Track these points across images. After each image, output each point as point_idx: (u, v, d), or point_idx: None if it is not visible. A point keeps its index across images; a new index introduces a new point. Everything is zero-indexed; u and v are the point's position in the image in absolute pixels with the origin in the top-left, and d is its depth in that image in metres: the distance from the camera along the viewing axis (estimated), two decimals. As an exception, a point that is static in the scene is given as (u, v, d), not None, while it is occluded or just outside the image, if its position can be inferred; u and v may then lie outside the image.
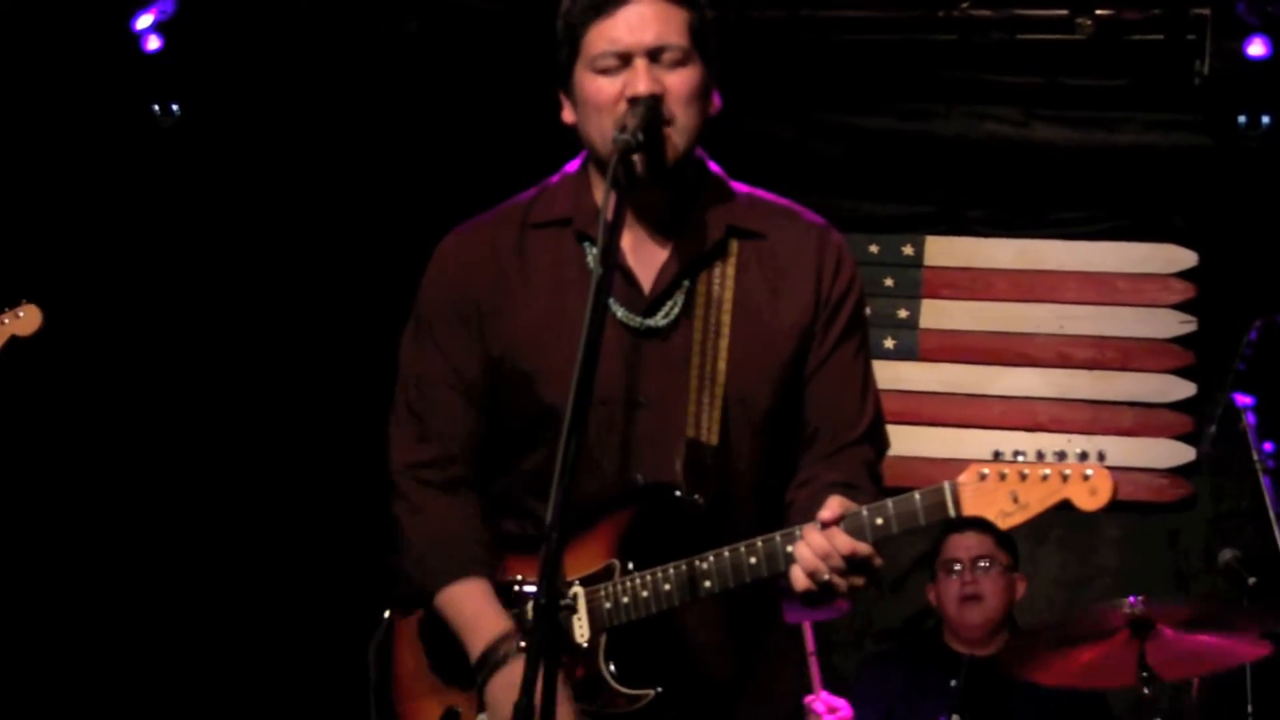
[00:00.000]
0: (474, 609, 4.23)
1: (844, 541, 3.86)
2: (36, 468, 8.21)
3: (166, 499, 8.56)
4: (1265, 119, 8.05)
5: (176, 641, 8.56)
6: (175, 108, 8.37)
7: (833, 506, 3.89)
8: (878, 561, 3.92)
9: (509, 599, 4.17)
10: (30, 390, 5.75)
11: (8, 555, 8.14)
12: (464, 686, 4.28)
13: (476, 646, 4.17)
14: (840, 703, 6.91)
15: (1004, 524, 3.97)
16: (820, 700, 6.71)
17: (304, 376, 7.84)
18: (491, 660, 4.14)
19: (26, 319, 5.65)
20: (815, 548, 3.88)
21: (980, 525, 7.17)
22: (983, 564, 7.41)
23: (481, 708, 4.21)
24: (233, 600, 8.52)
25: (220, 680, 8.50)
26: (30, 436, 7.07)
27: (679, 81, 4.13)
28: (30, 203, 8.47)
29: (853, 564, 3.87)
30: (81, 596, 8.51)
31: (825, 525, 3.87)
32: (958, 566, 7.45)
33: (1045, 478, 3.93)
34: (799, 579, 3.90)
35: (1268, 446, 6.57)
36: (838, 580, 3.88)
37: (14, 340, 5.63)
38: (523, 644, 4.00)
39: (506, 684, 4.01)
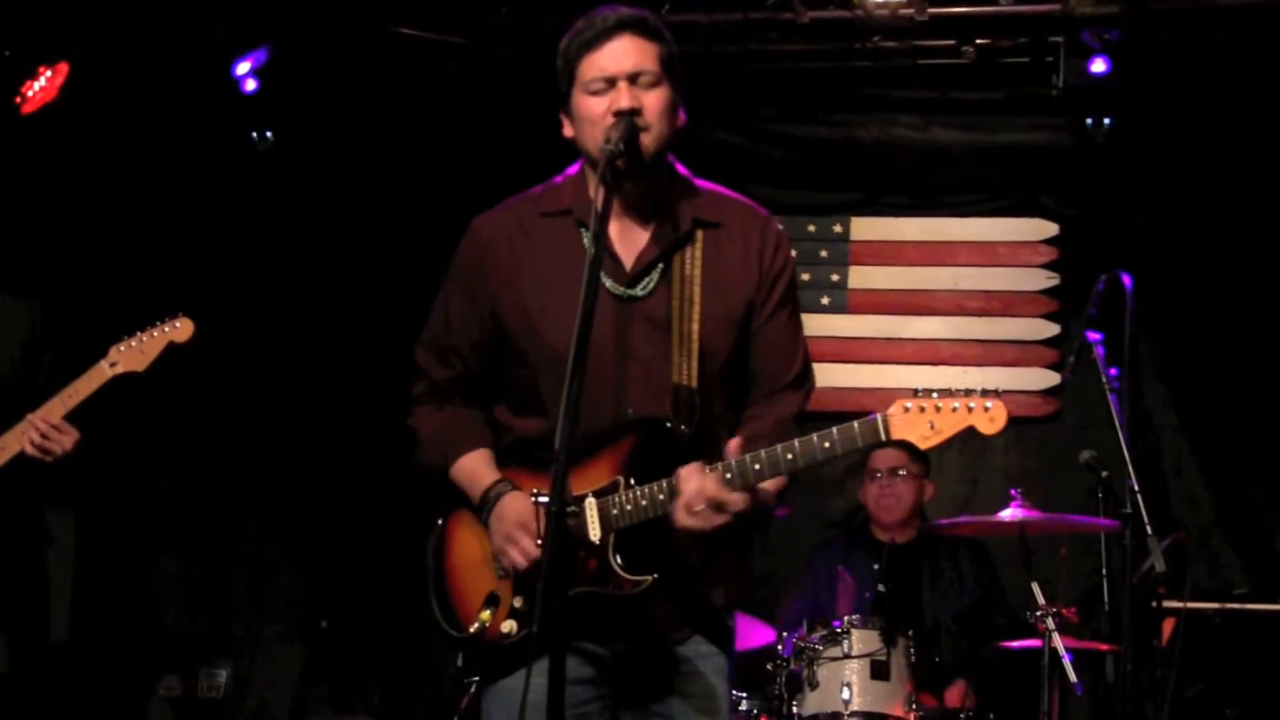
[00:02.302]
0: (476, 469, 4.31)
1: (727, 496, 3.97)
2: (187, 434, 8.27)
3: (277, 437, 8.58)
4: (1107, 120, 8.10)
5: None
6: (269, 135, 8.37)
7: (731, 449, 4.02)
8: (742, 506, 4.00)
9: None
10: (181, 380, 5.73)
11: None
12: (501, 575, 4.28)
13: (477, 494, 4.26)
14: None
15: (923, 445, 4.00)
16: None
17: (368, 336, 7.84)
18: (489, 499, 4.22)
19: (182, 329, 5.61)
20: (688, 493, 4.00)
21: (899, 442, 7.26)
22: (899, 471, 7.45)
23: (514, 583, 4.24)
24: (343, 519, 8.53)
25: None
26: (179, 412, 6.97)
27: (652, 99, 4.16)
28: (161, 221, 8.44)
29: (717, 506, 3.98)
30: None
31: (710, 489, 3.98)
32: (879, 474, 7.49)
33: (955, 409, 3.99)
34: (679, 517, 4.01)
35: (1113, 372, 6.59)
36: (711, 518, 4.00)
37: (170, 346, 5.58)
38: (535, 496, 4.09)
39: (499, 515, 4.19)
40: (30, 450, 5.49)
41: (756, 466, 3.96)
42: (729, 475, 3.96)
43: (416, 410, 4.48)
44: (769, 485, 4.08)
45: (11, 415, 5.63)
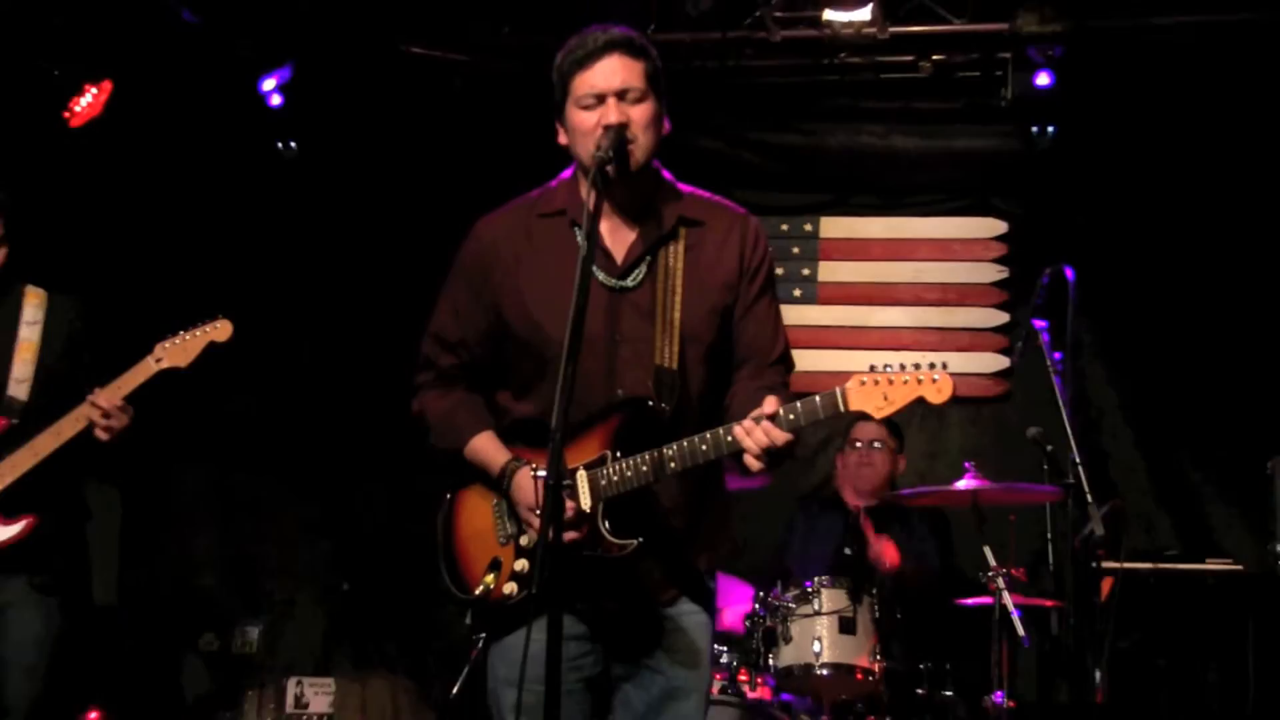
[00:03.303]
0: (490, 449, 4.32)
1: (779, 435, 3.95)
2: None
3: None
4: (1051, 129, 8.12)
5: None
6: (293, 145, 8.36)
7: (771, 403, 3.97)
8: (793, 444, 4.01)
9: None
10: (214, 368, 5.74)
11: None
12: (503, 542, 4.27)
13: (495, 470, 4.27)
14: None
15: (878, 414, 4.03)
16: None
17: (382, 327, 7.80)
18: (506, 473, 4.24)
19: (222, 329, 5.62)
20: (758, 439, 3.96)
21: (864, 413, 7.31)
22: (876, 444, 7.45)
23: (516, 549, 4.25)
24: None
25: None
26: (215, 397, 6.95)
27: (639, 113, 4.17)
28: (195, 224, 8.44)
29: (779, 451, 3.99)
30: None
31: (766, 418, 3.95)
32: (859, 443, 7.49)
33: (905, 381, 4.00)
34: (752, 463, 4.01)
35: (1057, 356, 6.62)
36: (771, 459, 3.99)
37: (212, 346, 5.58)
38: (533, 471, 4.12)
39: (517, 485, 4.21)
40: (99, 429, 5.48)
41: (792, 416, 3.99)
42: (790, 417, 3.97)
43: (422, 396, 4.49)
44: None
45: (56, 405, 5.63)
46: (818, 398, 3.99)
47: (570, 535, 4.00)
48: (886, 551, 7.01)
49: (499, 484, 4.26)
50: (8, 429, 5.64)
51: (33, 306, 5.79)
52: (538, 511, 3.92)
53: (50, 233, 6.02)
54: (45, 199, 6.04)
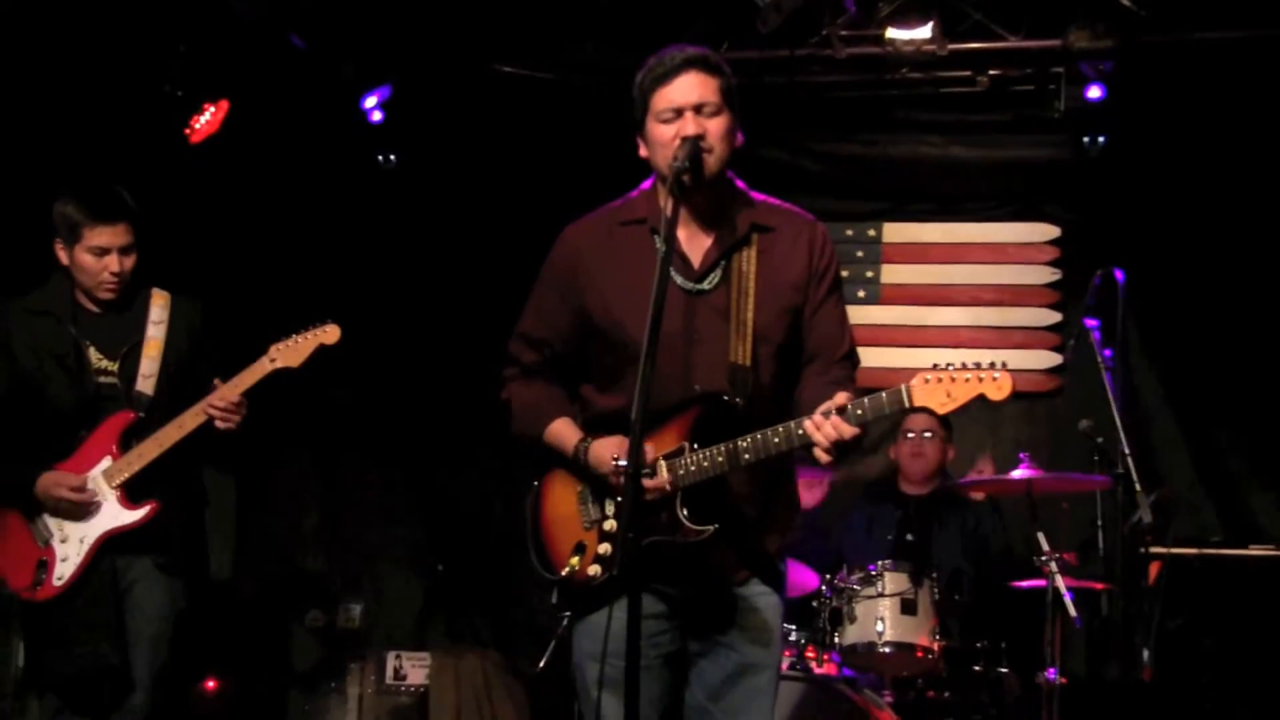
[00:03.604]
0: (564, 431, 4.35)
1: (846, 429, 3.97)
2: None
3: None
4: (1102, 139, 8.06)
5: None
6: (393, 158, 8.42)
7: (840, 398, 4.00)
8: (861, 437, 4.04)
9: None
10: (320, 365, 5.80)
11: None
12: (587, 527, 4.29)
13: (570, 448, 4.31)
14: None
15: (941, 410, 4.05)
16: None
17: (471, 330, 7.84)
18: (580, 450, 4.27)
19: (331, 332, 5.66)
20: (827, 433, 3.98)
21: (924, 409, 7.27)
22: (927, 434, 7.42)
23: (599, 533, 4.26)
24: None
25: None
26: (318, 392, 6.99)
27: (714, 126, 4.19)
28: (304, 231, 8.51)
29: (846, 444, 4.02)
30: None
31: (836, 412, 3.98)
32: (911, 434, 7.46)
33: (967, 380, 4.01)
34: (821, 456, 4.04)
35: (1107, 353, 6.60)
36: (839, 451, 4.03)
37: (321, 348, 5.63)
38: (614, 458, 4.14)
39: (594, 458, 4.24)
40: (218, 421, 5.55)
41: (859, 411, 4.00)
42: (859, 412, 3.99)
43: (509, 387, 4.54)
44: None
45: (180, 399, 5.69)
46: (884, 394, 4.01)
47: (652, 489, 4.06)
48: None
49: (575, 463, 4.29)
50: (135, 421, 5.71)
51: (158, 307, 5.85)
52: (619, 461, 4.00)
53: (174, 240, 6.07)
54: (169, 209, 6.09)
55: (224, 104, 7.70)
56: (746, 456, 4.11)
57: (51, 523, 5.69)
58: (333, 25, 7.78)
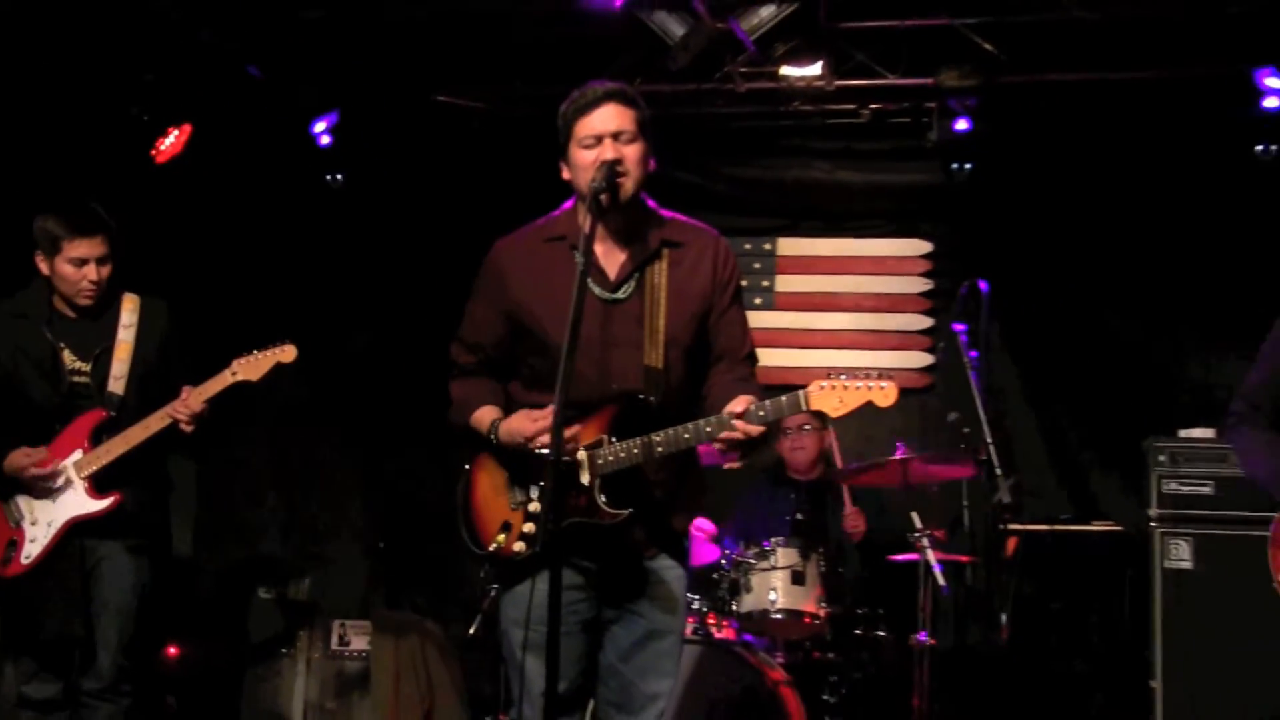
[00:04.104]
0: (484, 415, 4.37)
1: (752, 429, 4.01)
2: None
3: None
4: (968, 165, 8.12)
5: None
6: (340, 177, 8.37)
7: (742, 402, 4.02)
8: (762, 434, 4.07)
9: (536, 458, 4.20)
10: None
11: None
12: (513, 507, 4.30)
13: (485, 427, 4.35)
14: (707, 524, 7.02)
15: (834, 415, 4.09)
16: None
17: (409, 334, 7.80)
18: (492, 429, 4.31)
19: (288, 352, 5.60)
20: (733, 434, 4.03)
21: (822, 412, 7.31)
22: (805, 427, 7.39)
23: (524, 513, 4.27)
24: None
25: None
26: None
27: (630, 152, 4.22)
28: (259, 243, 8.46)
29: (752, 442, 4.08)
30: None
31: (738, 415, 4.01)
32: (789, 430, 7.42)
33: (858, 387, 4.05)
34: (729, 453, 4.12)
35: (973, 354, 6.65)
36: (745, 447, 4.09)
37: (278, 366, 5.59)
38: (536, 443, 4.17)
39: (504, 433, 4.29)
40: (182, 425, 5.52)
41: (762, 413, 4.02)
42: (762, 412, 4.01)
43: (450, 386, 4.54)
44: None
45: (148, 396, 5.67)
46: (784, 398, 4.03)
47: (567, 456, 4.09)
48: (857, 521, 7.04)
49: (490, 436, 4.32)
50: (106, 419, 5.67)
51: (128, 312, 5.81)
52: (533, 422, 4.11)
53: (142, 252, 6.03)
54: (137, 225, 6.04)
55: (187, 127, 7.65)
56: (659, 449, 4.13)
57: (24, 506, 5.67)
58: (287, 56, 7.73)
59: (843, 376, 4.04)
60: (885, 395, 4.03)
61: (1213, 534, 6.87)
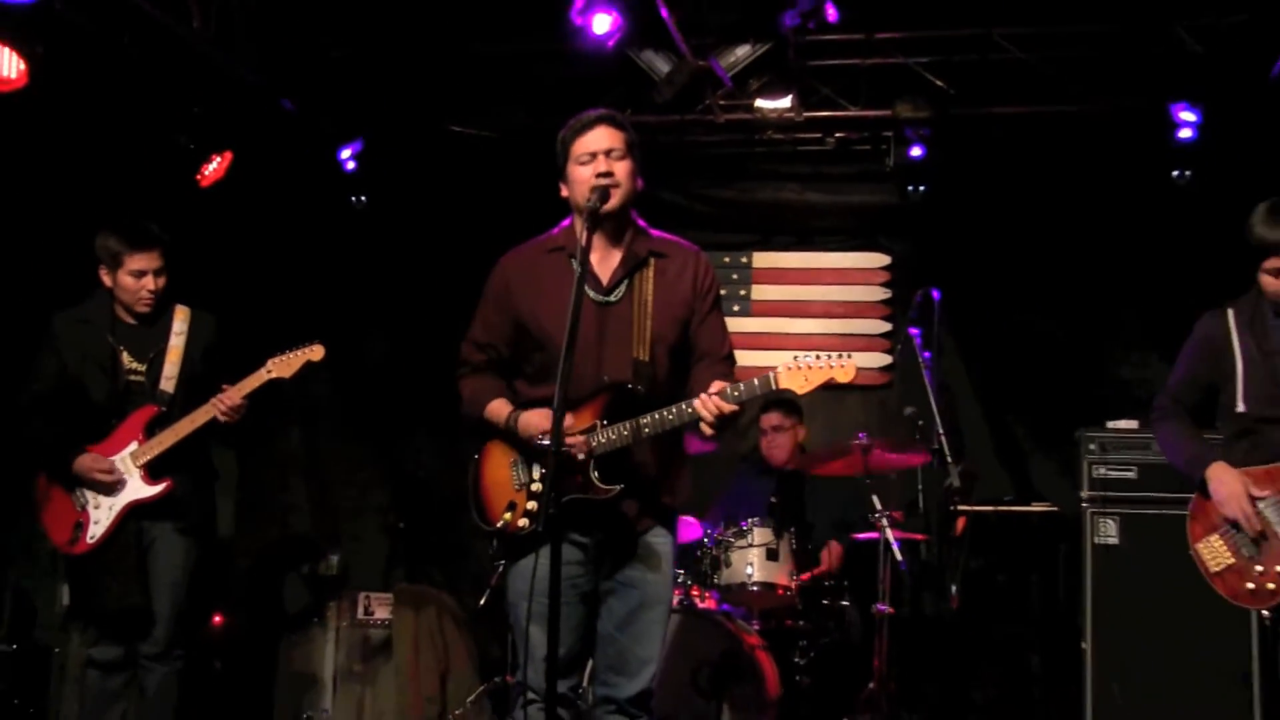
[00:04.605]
0: (498, 407, 4.39)
1: (726, 406, 4.05)
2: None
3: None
4: (922, 187, 8.12)
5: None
6: (364, 199, 8.37)
7: (718, 384, 4.08)
8: (738, 414, 4.10)
9: (537, 445, 4.23)
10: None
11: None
12: (517, 488, 4.32)
13: (502, 419, 4.36)
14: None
15: (800, 391, 4.12)
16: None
17: (426, 338, 7.77)
18: (510, 419, 4.33)
19: (316, 351, 5.63)
20: (711, 409, 4.05)
21: (778, 405, 7.34)
22: (778, 428, 7.39)
23: (527, 493, 4.29)
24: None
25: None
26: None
27: (620, 167, 4.29)
28: (293, 257, 8.46)
29: (726, 419, 4.08)
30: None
31: (715, 394, 4.05)
32: (766, 430, 7.43)
33: (821, 367, 4.08)
34: (706, 429, 4.11)
35: (926, 355, 6.67)
36: (719, 425, 4.10)
37: (309, 363, 5.61)
38: (537, 433, 4.19)
39: (521, 424, 4.30)
40: (222, 417, 5.56)
41: (736, 393, 4.06)
42: (736, 392, 4.05)
43: (461, 382, 4.57)
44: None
45: (195, 395, 5.71)
46: (756, 379, 4.09)
47: (575, 448, 4.11)
48: (833, 554, 6.99)
49: (507, 428, 4.33)
50: (158, 414, 5.71)
51: (180, 320, 5.85)
52: (541, 433, 4.08)
53: (189, 265, 6.05)
54: (185, 241, 6.06)
55: (228, 154, 7.65)
56: (647, 430, 4.17)
57: (88, 493, 5.70)
58: (316, 92, 7.75)
59: (806, 358, 4.09)
60: (845, 371, 4.07)
61: (1136, 513, 6.91)
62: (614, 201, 4.25)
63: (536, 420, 4.23)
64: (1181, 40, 7.10)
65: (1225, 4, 6.85)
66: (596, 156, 4.25)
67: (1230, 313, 4.87)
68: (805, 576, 6.56)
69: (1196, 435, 4.98)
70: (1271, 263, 4.70)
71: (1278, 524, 4.69)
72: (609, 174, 4.24)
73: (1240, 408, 4.81)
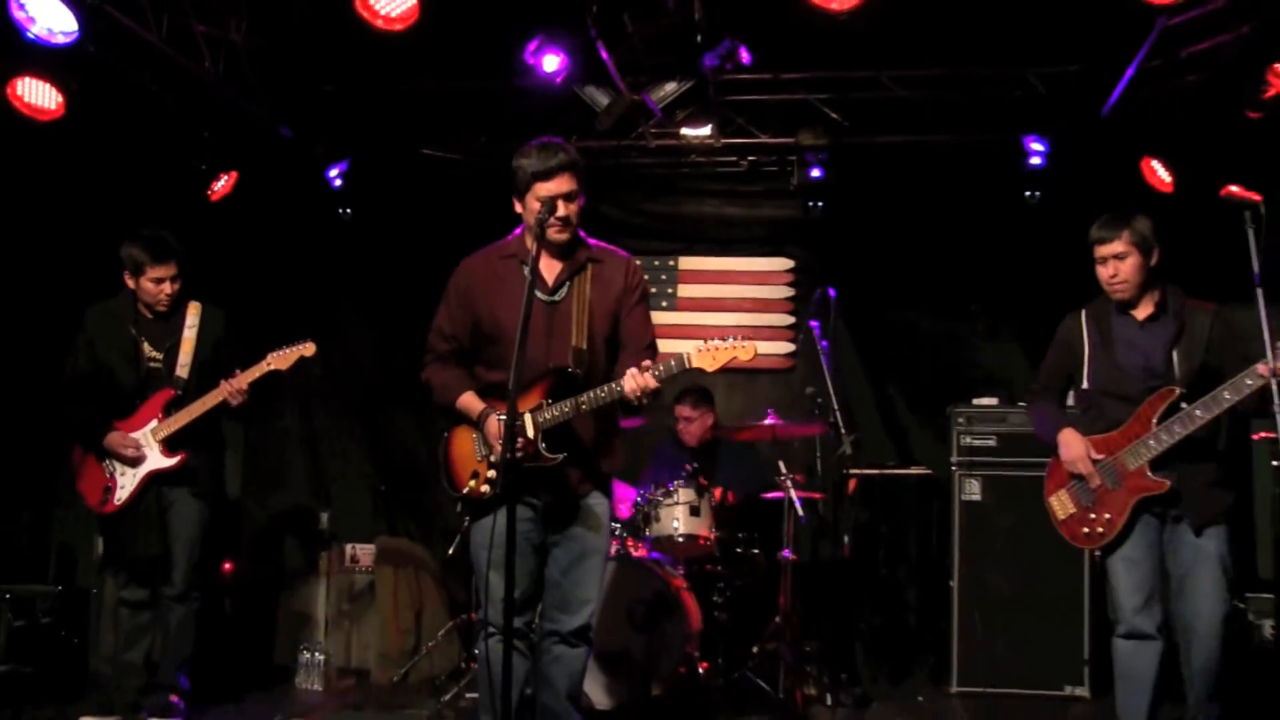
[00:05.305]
0: (473, 402, 4.39)
1: (650, 382, 4.09)
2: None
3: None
4: (820, 203, 8.11)
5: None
6: (349, 212, 8.30)
7: (645, 364, 4.12)
8: (659, 390, 4.14)
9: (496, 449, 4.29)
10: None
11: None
12: (479, 460, 4.35)
13: (475, 414, 4.35)
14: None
15: (710, 369, 4.18)
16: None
17: (402, 330, 7.76)
18: (482, 416, 4.33)
19: (309, 348, 5.69)
20: (634, 386, 4.09)
21: (690, 396, 7.29)
22: (689, 416, 7.34)
23: (489, 462, 4.29)
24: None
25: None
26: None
27: (574, 208, 4.33)
28: (288, 262, 8.41)
29: (649, 392, 4.11)
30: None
31: (643, 370, 4.08)
32: (680, 419, 7.32)
33: (726, 348, 4.13)
34: (632, 401, 4.14)
35: (824, 344, 6.69)
36: (646, 397, 4.13)
37: (301, 358, 5.63)
38: (498, 415, 4.23)
39: (488, 424, 4.32)
40: (231, 400, 5.61)
41: (657, 371, 4.09)
42: (657, 371, 4.08)
43: (428, 369, 4.56)
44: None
45: (206, 382, 5.75)
46: (672, 359, 4.17)
47: (519, 451, 4.07)
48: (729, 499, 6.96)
49: (478, 423, 4.34)
50: (174, 397, 5.74)
51: (192, 315, 5.86)
52: (500, 439, 4.07)
53: (201, 269, 6.04)
54: (198, 248, 6.05)
55: (234, 174, 7.62)
56: (584, 407, 4.21)
57: (115, 463, 5.72)
58: (309, 121, 7.71)
59: (714, 341, 4.14)
60: (745, 351, 4.12)
61: (996, 475, 7.08)
62: (567, 237, 4.30)
63: (497, 431, 4.26)
64: (1032, 84, 7.21)
65: (1066, 55, 6.94)
66: (557, 203, 4.25)
67: (1084, 313, 5.08)
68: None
69: (1059, 411, 5.15)
70: (1097, 253, 4.93)
71: (1109, 482, 4.85)
72: (566, 219, 4.27)
73: (1085, 385, 5.01)
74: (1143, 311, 4.90)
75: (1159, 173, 7.08)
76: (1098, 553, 4.95)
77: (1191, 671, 4.76)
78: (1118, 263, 4.84)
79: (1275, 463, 4.01)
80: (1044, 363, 5.23)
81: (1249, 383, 4.49)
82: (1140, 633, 4.78)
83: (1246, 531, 6.35)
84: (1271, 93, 6.09)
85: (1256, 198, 4.23)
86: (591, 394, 4.20)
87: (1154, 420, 4.76)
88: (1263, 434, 4.32)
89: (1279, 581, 4.12)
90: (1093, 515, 4.89)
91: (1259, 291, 4.23)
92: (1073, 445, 4.95)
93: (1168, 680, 4.83)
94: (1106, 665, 5.03)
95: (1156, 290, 4.89)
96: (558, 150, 4.29)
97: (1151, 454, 4.75)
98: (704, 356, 4.13)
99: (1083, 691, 6.74)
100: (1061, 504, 5.02)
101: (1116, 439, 4.85)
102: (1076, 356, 5.03)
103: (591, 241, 4.50)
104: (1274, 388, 4.17)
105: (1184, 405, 4.70)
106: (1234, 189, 4.27)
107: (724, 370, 4.21)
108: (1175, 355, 4.79)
